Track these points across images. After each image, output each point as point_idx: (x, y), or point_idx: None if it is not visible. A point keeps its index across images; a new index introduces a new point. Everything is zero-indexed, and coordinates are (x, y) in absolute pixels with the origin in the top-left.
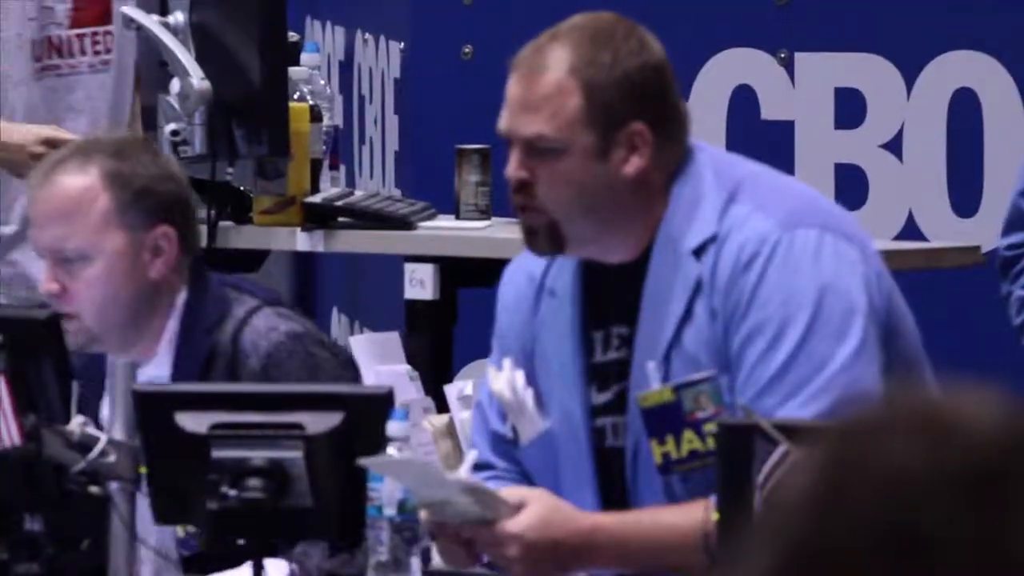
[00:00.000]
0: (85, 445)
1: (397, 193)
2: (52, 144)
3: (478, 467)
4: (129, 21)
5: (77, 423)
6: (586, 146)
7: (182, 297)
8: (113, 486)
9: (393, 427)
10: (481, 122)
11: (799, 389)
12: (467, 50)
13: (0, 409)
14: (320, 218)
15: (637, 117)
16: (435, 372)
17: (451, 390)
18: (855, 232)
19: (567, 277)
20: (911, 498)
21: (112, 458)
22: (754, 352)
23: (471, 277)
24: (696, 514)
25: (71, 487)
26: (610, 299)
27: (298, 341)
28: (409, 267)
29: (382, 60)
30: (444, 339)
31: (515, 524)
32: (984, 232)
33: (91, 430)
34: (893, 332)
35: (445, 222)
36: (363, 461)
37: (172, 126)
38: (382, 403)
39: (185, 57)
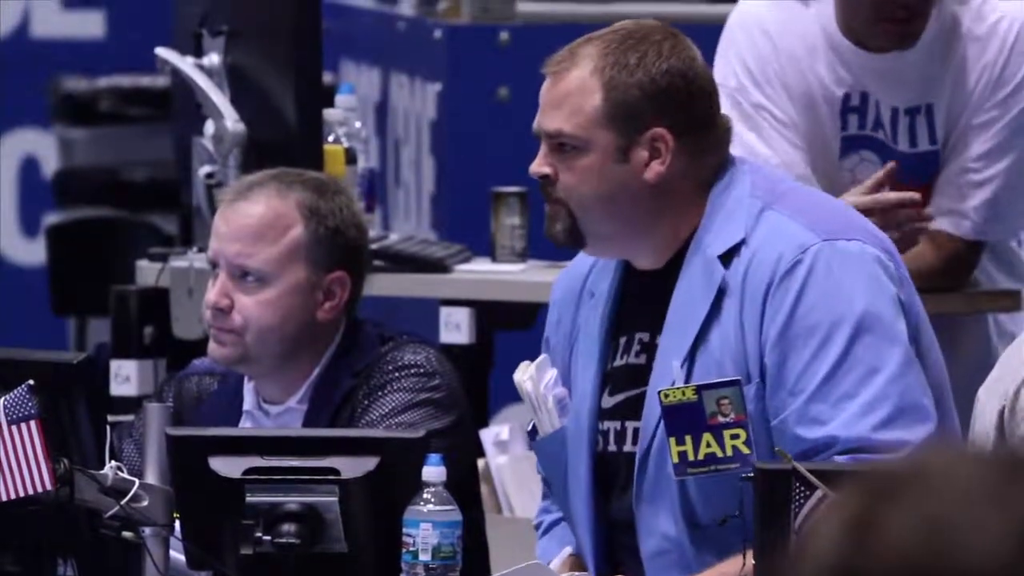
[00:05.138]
0: (118, 490)
1: (432, 236)
2: None
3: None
4: (164, 63)
5: (110, 467)
6: (606, 145)
7: (335, 344)
8: (146, 531)
9: (428, 472)
10: (517, 164)
11: (851, 396)
12: (503, 92)
13: (33, 453)
14: None
15: (659, 122)
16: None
17: (487, 435)
18: (892, 250)
19: (607, 281)
20: None
21: (145, 503)
22: (800, 359)
23: (507, 321)
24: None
25: (104, 532)
26: (640, 305)
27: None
28: (445, 311)
29: (418, 102)
30: (480, 383)
31: None
32: None
33: (124, 475)
34: (919, 357)
35: (481, 265)
36: None
37: (206, 168)
38: (417, 448)
39: (220, 99)
